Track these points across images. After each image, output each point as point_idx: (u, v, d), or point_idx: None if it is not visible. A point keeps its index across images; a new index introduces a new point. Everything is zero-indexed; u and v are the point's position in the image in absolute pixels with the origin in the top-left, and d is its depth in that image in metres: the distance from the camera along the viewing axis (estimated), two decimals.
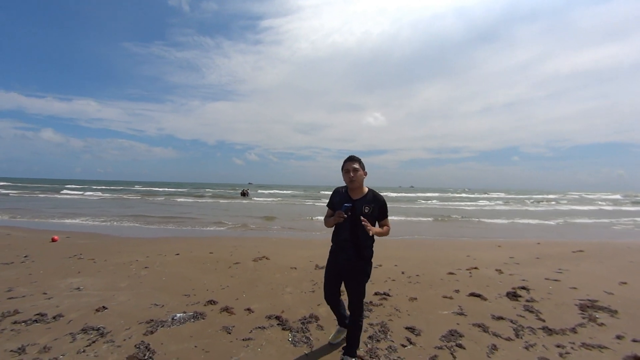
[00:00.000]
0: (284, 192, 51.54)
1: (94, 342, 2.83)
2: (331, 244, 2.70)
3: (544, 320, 3.47)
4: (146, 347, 2.73)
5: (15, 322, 3.15)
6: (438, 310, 3.75)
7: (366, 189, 2.56)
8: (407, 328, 3.22)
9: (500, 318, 3.52)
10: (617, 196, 56.46)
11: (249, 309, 3.63)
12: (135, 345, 2.77)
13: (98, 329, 3.05)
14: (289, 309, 3.70)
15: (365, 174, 2.53)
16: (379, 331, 3.13)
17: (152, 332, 3.02)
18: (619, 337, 3.07)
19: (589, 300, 4.10)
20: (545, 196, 54.24)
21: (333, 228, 2.63)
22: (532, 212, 22.87)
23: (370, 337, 2.99)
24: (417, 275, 5.14)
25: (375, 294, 4.23)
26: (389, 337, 3.04)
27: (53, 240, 7.60)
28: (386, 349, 2.81)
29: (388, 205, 2.59)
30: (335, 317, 3.09)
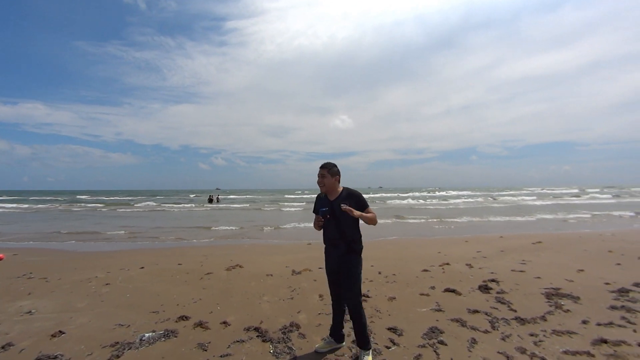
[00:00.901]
0: (253, 196, 50.58)
1: None
2: (324, 245, 2.87)
3: (515, 311, 3.62)
4: None
5: None
6: (417, 308, 3.78)
7: (341, 189, 2.78)
8: (389, 329, 3.20)
9: (476, 311, 3.62)
10: (568, 190, 61.59)
11: (225, 322, 3.43)
12: None
13: (55, 357, 2.72)
14: (268, 318, 3.55)
15: (337, 178, 2.75)
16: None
17: (118, 357, 2.75)
18: (584, 322, 3.26)
19: (553, 288, 4.35)
20: (500, 192, 57.83)
21: (322, 231, 2.82)
22: (493, 207, 24.27)
23: (354, 342, 2.93)
24: (394, 275, 5.19)
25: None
26: (372, 339, 3.00)
27: None
28: (371, 353, 2.77)
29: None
30: (330, 325, 2.96)
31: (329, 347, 2.86)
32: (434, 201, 34.85)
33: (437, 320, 3.41)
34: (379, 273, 5.32)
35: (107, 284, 4.93)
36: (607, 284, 4.51)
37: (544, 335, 3.01)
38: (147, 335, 3.13)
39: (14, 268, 6.08)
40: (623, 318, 3.33)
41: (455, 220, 15.31)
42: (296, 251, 7.58)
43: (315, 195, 2.95)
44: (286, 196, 51.16)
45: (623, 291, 4.15)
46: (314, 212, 2.91)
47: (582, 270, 5.25)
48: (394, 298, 4.12)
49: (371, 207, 2.72)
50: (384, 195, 53.04)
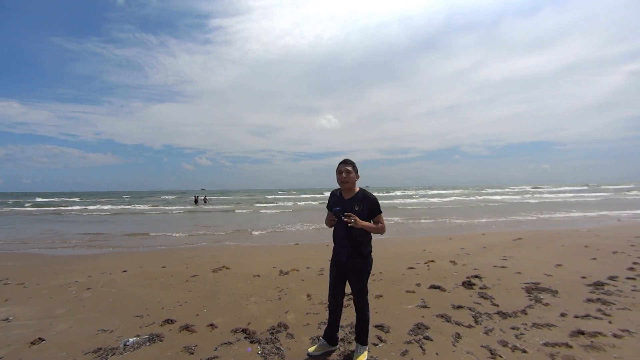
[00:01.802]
0: (239, 197, 50.08)
1: None
2: (333, 243, 2.83)
3: (497, 305, 3.73)
4: None
5: None
6: (403, 305, 3.84)
7: (357, 189, 2.71)
8: (376, 326, 3.24)
9: (460, 307, 3.71)
10: (549, 188, 63.74)
11: (211, 325, 3.40)
12: None
13: None
14: (256, 319, 3.53)
15: (358, 177, 2.70)
16: (350, 332, 3.11)
17: None
18: (562, 315, 3.40)
19: (533, 283, 4.50)
20: (483, 191, 59.26)
21: (333, 229, 2.79)
22: (476, 206, 24.84)
23: (342, 340, 2.96)
24: (380, 273, 5.24)
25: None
26: None
27: None
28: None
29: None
30: (325, 327, 2.91)
31: (323, 350, 2.78)
32: (420, 200, 35.40)
33: (422, 317, 3.47)
34: None
35: (88, 289, 4.79)
36: (583, 277, 4.71)
37: (525, 329, 3.11)
38: (131, 340, 3.06)
39: None
40: (599, 310, 3.49)
41: (440, 218, 15.61)
42: (284, 252, 7.56)
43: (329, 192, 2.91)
44: (273, 196, 50.86)
45: (599, 284, 4.34)
46: (327, 207, 2.87)
47: (560, 265, 5.45)
48: (381, 296, 4.17)
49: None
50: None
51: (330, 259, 2.88)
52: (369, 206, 2.61)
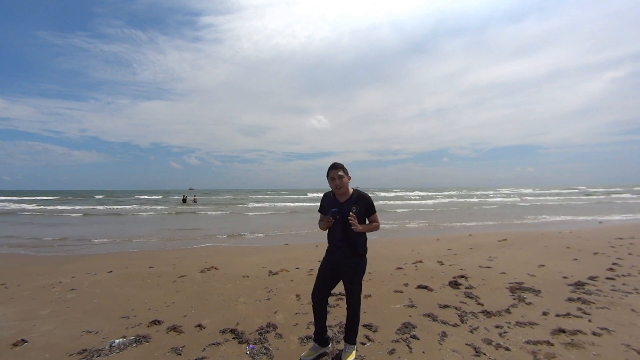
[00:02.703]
0: (228, 197, 49.66)
1: None
2: (327, 244, 2.81)
3: (482, 305, 3.81)
4: None
5: None
6: (391, 305, 3.89)
7: (351, 190, 2.72)
8: (364, 326, 3.27)
9: (446, 306, 3.78)
10: (529, 190, 65.15)
11: (199, 325, 3.37)
12: None
13: None
14: (244, 320, 3.53)
15: (349, 178, 2.69)
16: (338, 332, 3.14)
17: None
18: (544, 314, 3.50)
19: (517, 282, 4.61)
20: (470, 192, 60.23)
21: (327, 230, 2.77)
22: (465, 208, 25.24)
23: (330, 339, 2.98)
24: (369, 273, 5.29)
25: (331, 295, 4.24)
26: None
27: None
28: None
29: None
30: (314, 329, 2.81)
31: (316, 354, 2.75)
32: (408, 202, 35.77)
33: (410, 316, 3.53)
34: None
35: (72, 290, 4.69)
36: (565, 277, 4.85)
37: (508, 327, 3.20)
38: (117, 341, 3.02)
39: None
40: (579, 309, 3.60)
41: (428, 220, 15.81)
42: (273, 252, 7.55)
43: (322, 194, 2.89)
44: (263, 196, 50.60)
45: (579, 284, 4.48)
46: (319, 210, 2.84)
47: (542, 266, 5.61)
48: (370, 296, 4.21)
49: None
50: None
51: (320, 259, 2.89)
52: (365, 206, 2.66)
